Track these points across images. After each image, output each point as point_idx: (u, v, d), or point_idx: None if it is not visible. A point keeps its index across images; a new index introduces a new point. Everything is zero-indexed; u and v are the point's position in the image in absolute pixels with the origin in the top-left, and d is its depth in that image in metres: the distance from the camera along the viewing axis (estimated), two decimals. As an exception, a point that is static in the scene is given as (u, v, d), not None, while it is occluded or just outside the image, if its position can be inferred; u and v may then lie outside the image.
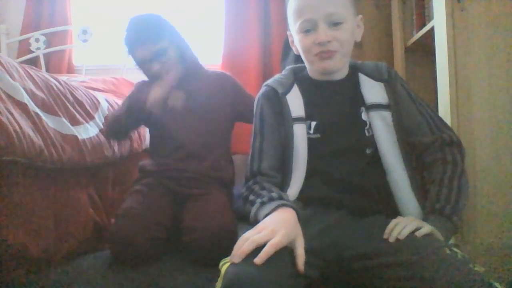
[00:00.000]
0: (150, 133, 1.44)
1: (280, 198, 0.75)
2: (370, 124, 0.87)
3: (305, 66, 0.95)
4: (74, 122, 1.14)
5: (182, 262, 1.06)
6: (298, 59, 0.97)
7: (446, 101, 1.05)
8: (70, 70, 2.31)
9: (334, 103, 0.90)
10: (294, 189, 0.85)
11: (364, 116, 0.88)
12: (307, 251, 0.65)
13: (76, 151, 1.08)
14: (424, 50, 1.60)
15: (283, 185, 0.86)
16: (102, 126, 1.30)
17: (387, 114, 0.87)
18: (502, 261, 0.99)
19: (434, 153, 0.85)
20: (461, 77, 1.04)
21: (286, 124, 0.88)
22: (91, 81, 1.89)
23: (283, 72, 0.99)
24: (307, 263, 0.63)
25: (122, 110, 1.36)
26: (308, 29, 0.85)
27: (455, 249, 0.67)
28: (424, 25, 1.48)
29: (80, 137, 1.12)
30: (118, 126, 1.33)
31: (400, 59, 1.66)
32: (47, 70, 2.19)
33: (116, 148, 1.36)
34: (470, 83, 1.04)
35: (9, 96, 0.91)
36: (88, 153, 1.15)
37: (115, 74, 2.16)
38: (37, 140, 0.92)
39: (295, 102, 0.90)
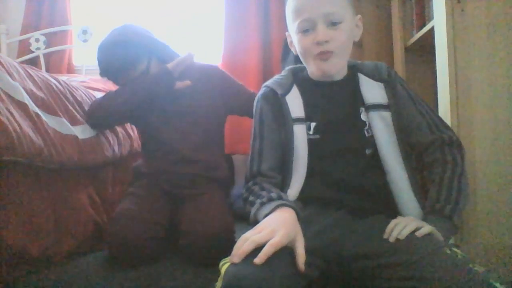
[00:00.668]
0: (140, 135, 1.41)
1: (280, 198, 0.75)
2: (369, 125, 0.87)
3: (304, 67, 0.95)
4: (74, 122, 1.14)
5: (182, 262, 1.06)
6: (298, 59, 0.97)
7: (446, 101, 1.05)
8: (70, 70, 2.31)
9: (334, 103, 0.90)
10: (294, 190, 0.85)
11: (363, 116, 0.88)
12: (307, 251, 0.65)
13: (76, 151, 1.08)
14: (424, 50, 1.61)
15: (283, 185, 0.86)
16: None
17: (387, 114, 0.86)
18: (502, 261, 0.99)
19: (434, 153, 0.85)
20: (461, 77, 1.04)
21: (286, 125, 0.88)
22: (91, 81, 1.88)
23: (282, 73, 0.99)
24: (307, 263, 0.63)
25: (129, 96, 1.22)
26: (306, 29, 0.85)
27: (455, 249, 0.67)
28: (424, 25, 1.48)
29: (80, 137, 1.12)
30: (116, 112, 1.23)
31: (400, 59, 1.66)
32: (47, 70, 2.19)
33: (116, 148, 1.36)
34: (470, 83, 1.04)
35: (9, 96, 0.91)
36: (88, 153, 1.15)
37: (115, 74, 2.16)
38: (37, 140, 0.92)
39: (295, 103, 0.90)
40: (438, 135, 0.85)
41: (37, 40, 2.23)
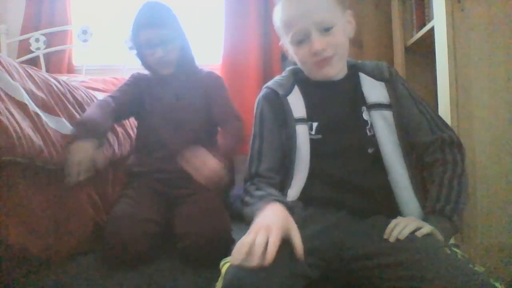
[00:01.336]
0: (138, 129, 1.43)
1: (270, 195, 0.76)
2: (371, 124, 0.87)
3: (305, 67, 0.95)
4: (74, 122, 1.13)
5: (182, 262, 1.06)
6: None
7: (446, 101, 1.05)
8: (70, 70, 2.31)
9: (335, 103, 0.90)
10: (295, 190, 0.85)
11: (365, 115, 0.88)
12: (308, 251, 0.64)
13: (76, 151, 1.08)
14: (424, 50, 1.61)
15: (284, 185, 0.86)
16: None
17: (388, 114, 0.86)
18: (502, 261, 0.99)
19: (434, 153, 0.85)
20: (461, 77, 1.04)
21: (289, 125, 0.88)
22: (91, 81, 1.88)
23: (283, 74, 0.99)
24: (307, 263, 0.63)
25: (114, 99, 1.28)
26: (301, 40, 0.85)
27: (455, 249, 0.67)
28: (424, 25, 1.48)
29: (80, 137, 1.12)
30: (101, 119, 1.20)
31: (400, 59, 1.66)
32: (47, 70, 2.19)
33: (116, 148, 1.36)
34: (470, 83, 1.04)
35: (9, 96, 0.91)
36: (88, 153, 1.14)
37: (115, 74, 2.16)
38: (37, 140, 0.92)
39: (297, 103, 0.90)
40: (439, 135, 0.85)
41: (37, 40, 2.23)
